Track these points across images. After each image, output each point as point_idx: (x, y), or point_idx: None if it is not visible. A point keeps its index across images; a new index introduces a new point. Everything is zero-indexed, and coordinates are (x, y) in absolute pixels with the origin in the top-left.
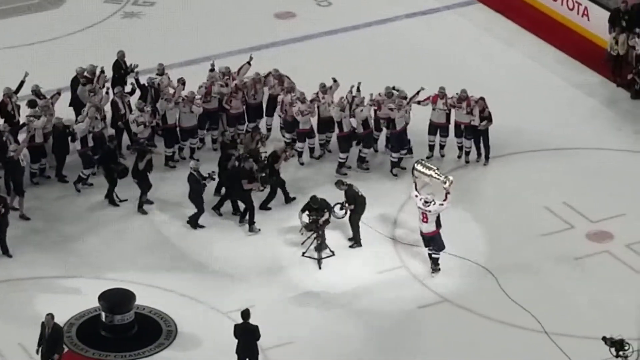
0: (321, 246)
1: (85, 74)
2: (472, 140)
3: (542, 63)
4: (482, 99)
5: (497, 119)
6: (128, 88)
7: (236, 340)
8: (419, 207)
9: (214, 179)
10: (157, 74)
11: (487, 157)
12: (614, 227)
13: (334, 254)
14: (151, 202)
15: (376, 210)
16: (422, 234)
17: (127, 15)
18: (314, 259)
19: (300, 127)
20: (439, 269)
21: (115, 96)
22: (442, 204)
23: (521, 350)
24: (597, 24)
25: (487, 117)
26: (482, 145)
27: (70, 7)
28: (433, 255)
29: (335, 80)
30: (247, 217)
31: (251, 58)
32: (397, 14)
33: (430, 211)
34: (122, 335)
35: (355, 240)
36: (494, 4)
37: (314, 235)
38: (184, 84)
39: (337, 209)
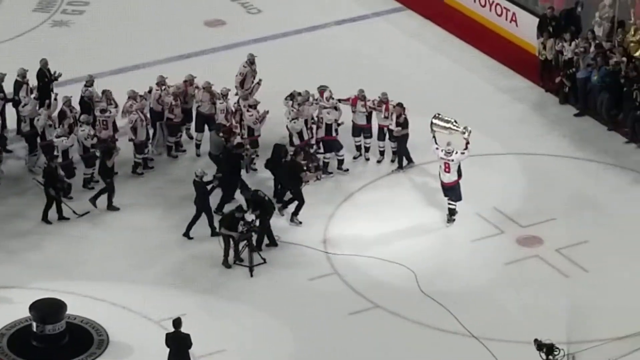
0: (252, 254)
1: (17, 77)
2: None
3: (470, 69)
4: (399, 105)
5: (426, 125)
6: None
7: (167, 349)
8: (442, 158)
9: (218, 181)
10: (86, 86)
11: (400, 164)
12: (543, 232)
13: (265, 262)
14: (117, 208)
15: (309, 219)
16: (443, 184)
17: (57, 23)
18: (246, 266)
19: (255, 134)
20: (454, 220)
21: (63, 105)
22: (463, 153)
23: (453, 355)
24: (525, 30)
25: (402, 124)
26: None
27: None
28: (450, 206)
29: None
30: (286, 206)
31: (260, 80)
32: (326, 22)
33: (452, 160)
34: (53, 345)
35: (271, 242)
36: (422, 10)
37: (246, 243)
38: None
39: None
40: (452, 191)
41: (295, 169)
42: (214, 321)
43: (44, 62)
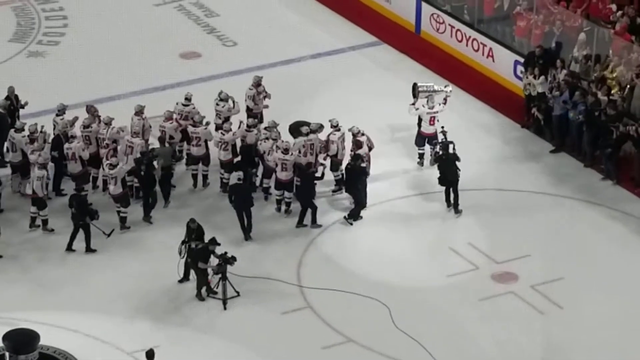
0: (226, 287)
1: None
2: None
3: (449, 104)
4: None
5: (401, 160)
6: (17, 124)
7: None
8: (428, 113)
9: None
10: (57, 114)
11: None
12: (518, 268)
13: (239, 294)
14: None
15: (281, 252)
16: (426, 134)
17: (32, 54)
18: (219, 299)
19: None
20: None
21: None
22: (443, 105)
23: None
24: (502, 66)
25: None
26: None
27: None
28: (436, 149)
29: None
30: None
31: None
32: (301, 55)
33: (437, 112)
34: None
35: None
36: (399, 45)
37: (219, 275)
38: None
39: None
40: (434, 139)
41: (362, 173)
42: (187, 353)
43: (12, 89)
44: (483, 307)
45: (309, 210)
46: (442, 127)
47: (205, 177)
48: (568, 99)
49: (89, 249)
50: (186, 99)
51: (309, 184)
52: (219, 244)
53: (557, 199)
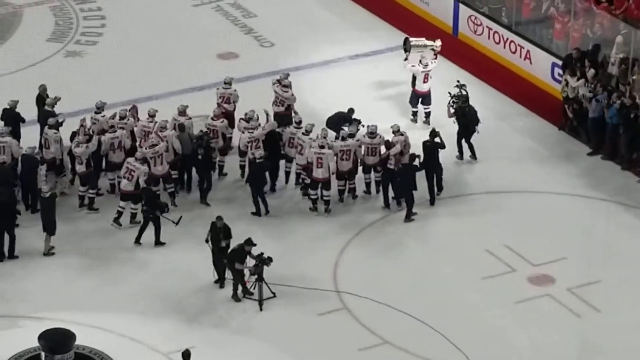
0: (262, 287)
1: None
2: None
3: (484, 105)
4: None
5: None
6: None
7: None
8: (422, 71)
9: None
10: (96, 112)
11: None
12: (555, 271)
13: (275, 295)
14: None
15: (317, 254)
16: (420, 93)
17: (70, 54)
18: (255, 300)
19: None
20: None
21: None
22: (434, 61)
23: None
24: (539, 68)
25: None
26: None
27: (12, 45)
28: (426, 111)
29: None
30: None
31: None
32: (339, 56)
33: (430, 70)
34: None
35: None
36: None
37: (256, 276)
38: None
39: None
40: (428, 98)
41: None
42: (222, 354)
43: (43, 87)
44: (519, 310)
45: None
46: (458, 81)
47: (221, 167)
48: (603, 100)
49: (158, 242)
50: (226, 82)
51: (410, 176)
52: (254, 244)
53: (594, 202)
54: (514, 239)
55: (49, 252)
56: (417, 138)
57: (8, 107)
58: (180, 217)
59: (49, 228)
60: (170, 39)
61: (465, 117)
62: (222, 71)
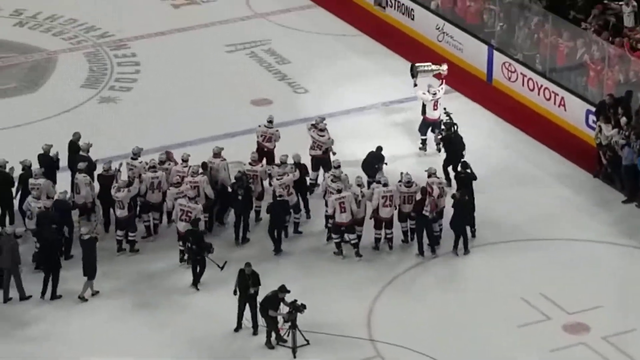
0: (296, 334)
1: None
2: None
3: (518, 152)
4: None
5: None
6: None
7: None
8: (431, 100)
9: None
10: (132, 157)
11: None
12: (590, 319)
13: (308, 343)
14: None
15: (351, 301)
16: (430, 120)
17: (104, 100)
18: (289, 347)
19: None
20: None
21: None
22: (442, 87)
23: None
24: (574, 115)
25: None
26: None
27: (46, 91)
28: (439, 137)
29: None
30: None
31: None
32: (373, 102)
33: (439, 97)
34: None
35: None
36: (470, 93)
37: (289, 323)
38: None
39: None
40: (437, 125)
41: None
42: None
43: (77, 135)
44: (554, 358)
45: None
46: (445, 109)
47: (257, 212)
48: (636, 147)
49: (196, 283)
50: (269, 122)
51: (462, 211)
52: (288, 291)
53: (629, 250)
54: (549, 286)
55: (92, 295)
56: (428, 166)
57: (42, 151)
58: (225, 262)
59: (90, 272)
60: (204, 85)
61: (452, 145)
62: (255, 117)
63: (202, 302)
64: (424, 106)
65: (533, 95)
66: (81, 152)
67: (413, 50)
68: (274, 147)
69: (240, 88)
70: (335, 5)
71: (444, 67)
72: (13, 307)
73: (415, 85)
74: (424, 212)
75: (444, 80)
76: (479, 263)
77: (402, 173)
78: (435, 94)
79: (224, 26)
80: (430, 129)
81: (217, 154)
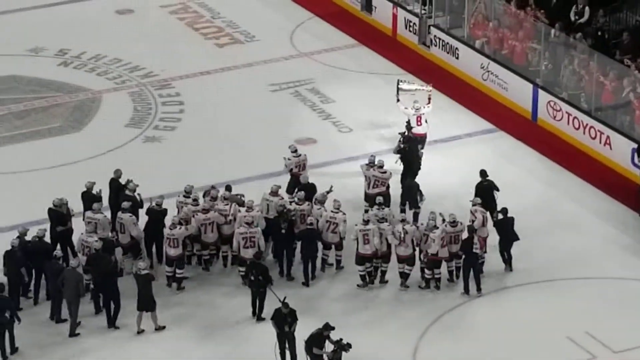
0: None
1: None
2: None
3: (563, 191)
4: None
5: (517, 248)
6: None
7: None
8: (414, 114)
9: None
10: (185, 196)
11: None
12: (636, 358)
13: None
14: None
15: (397, 340)
16: (418, 135)
17: (148, 139)
18: None
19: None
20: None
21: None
22: (429, 106)
23: None
24: (619, 153)
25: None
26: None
27: (91, 131)
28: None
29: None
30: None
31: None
32: None
33: (424, 114)
34: None
35: None
36: (515, 132)
37: None
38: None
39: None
40: (423, 142)
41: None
42: None
43: (119, 172)
44: None
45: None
46: (408, 122)
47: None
48: None
49: (259, 315)
50: (294, 151)
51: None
52: (333, 328)
53: None
54: (594, 325)
55: (155, 329)
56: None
57: (86, 189)
58: (285, 297)
59: (149, 305)
60: (248, 124)
61: (406, 157)
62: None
63: (263, 333)
64: (408, 122)
65: (578, 134)
66: (127, 192)
67: (457, 89)
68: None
69: (284, 127)
70: (379, 44)
71: (430, 86)
72: (75, 340)
73: (398, 100)
74: (473, 249)
75: (430, 100)
76: (524, 301)
77: (449, 215)
78: (418, 109)
79: (268, 65)
80: (420, 145)
81: (274, 192)
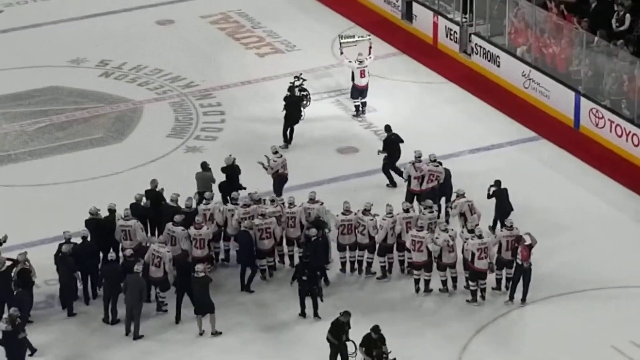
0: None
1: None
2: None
3: (606, 199)
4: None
5: (561, 256)
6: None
7: None
8: (358, 67)
9: None
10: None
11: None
12: None
13: None
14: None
15: (441, 350)
16: (360, 87)
17: (190, 149)
18: None
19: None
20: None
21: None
22: (371, 57)
23: None
24: None
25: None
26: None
27: (133, 141)
28: (362, 101)
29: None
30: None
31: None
32: (460, 150)
33: (367, 66)
34: None
35: None
36: (558, 140)
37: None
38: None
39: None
40: (366, 92)
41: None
42: None
43: (155, 183)
44: None
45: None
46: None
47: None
48: None
49: (315, 312)
50: (274, 152)
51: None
52: (350, 315)
53: None
54: (639, 334)
55: (212, 334)
56: (358, 128)
57: (135, 200)
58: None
59: (208, 307)
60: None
61: (392, 145)
62: (341, 166)
63: (313, 333)
64: (352, 74)
65: (621, 142)
66: (170, 202)
67: (499, 97)
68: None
69: (326, 136)
70: (420, 52)
71: (368, 37)
72: (138, 342)
73: (341, 53)
74: (517, 260)
75: (370, 50)
76: (568, 311)
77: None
78: (362, 62)
79: (309, 74)
80: (360, 94)
81: (312, 199)
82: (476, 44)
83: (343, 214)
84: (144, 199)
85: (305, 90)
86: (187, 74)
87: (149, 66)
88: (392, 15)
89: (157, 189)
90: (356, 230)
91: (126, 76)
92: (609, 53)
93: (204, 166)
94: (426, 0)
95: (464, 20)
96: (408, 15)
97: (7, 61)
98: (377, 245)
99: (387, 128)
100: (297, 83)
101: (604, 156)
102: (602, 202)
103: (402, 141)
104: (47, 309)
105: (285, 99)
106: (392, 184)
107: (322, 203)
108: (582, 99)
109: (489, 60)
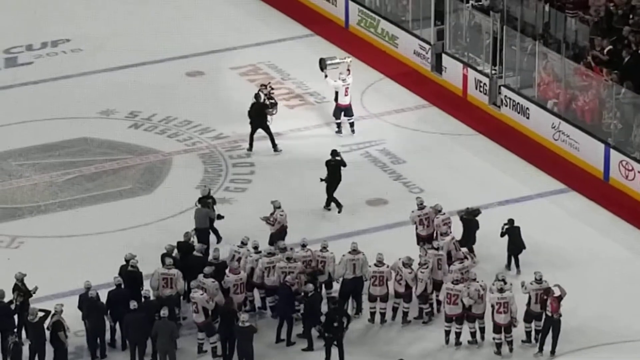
0: None
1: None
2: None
3: (637, 252)
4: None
5: (590, 308)
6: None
7: None
8: (343, 85)
9: None
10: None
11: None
12: None
13: None
14: None
15: None
16: (343, 106)
17: (219, 201)
18: None
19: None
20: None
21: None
22: (349, 76)
23: None
24: None
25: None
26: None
27: (162, 192)
28: (349, 121)
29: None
30: None
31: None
32: (489, 201)
33: (349, 84)
34: None
35: None
36: (587, 192)
37: None
38: None
39: None
40: (350, 110)
41: None
42: None
43: (188, 235)
44: None
45: None
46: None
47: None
48: None
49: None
50: (278, 206)
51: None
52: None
53: None
54: None
55: None
56: (344, 145)
57: (165, 251)
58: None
59: (249, 358)
60: (319, 185)
61: (336, 169)
62: (371, 218)
63: None
64: (336, 93)
65: None
66: (195, 253)
67: (529, 149)
68: None
69: (355, 188)
70: (450, 104)
71: (349, 59)
72: None
73: (326, 76)
74: (546, 312)
75: (349, 71)
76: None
77: (535, 272)
78: (344, 80)
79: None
80: (342, 113)
81: (354, 250)
82: (506, 95)
83: (376, 265)
84: (175, 251)
85: (272, 99)
86: (216, 125)
87: (179, 117)
88: (422, 67)
89: (190, 241)
90: (390, 280)
91: (155, 127)
92: (637, 105)
93: (203, 202)
94: (456, 52)
95: (493, 72)
96: (438, 67)
97: (38, 112)
98: (417, 295)
99: (334, 152)
100: (264, 91)
101: (634, 208)
102: (632, 255)
103: (344, 165)
104: (77, 359)
105: (251, 105)
106: (339, 207)
107: (362, 253)
108: (612, 151)
109: (518, 112)
